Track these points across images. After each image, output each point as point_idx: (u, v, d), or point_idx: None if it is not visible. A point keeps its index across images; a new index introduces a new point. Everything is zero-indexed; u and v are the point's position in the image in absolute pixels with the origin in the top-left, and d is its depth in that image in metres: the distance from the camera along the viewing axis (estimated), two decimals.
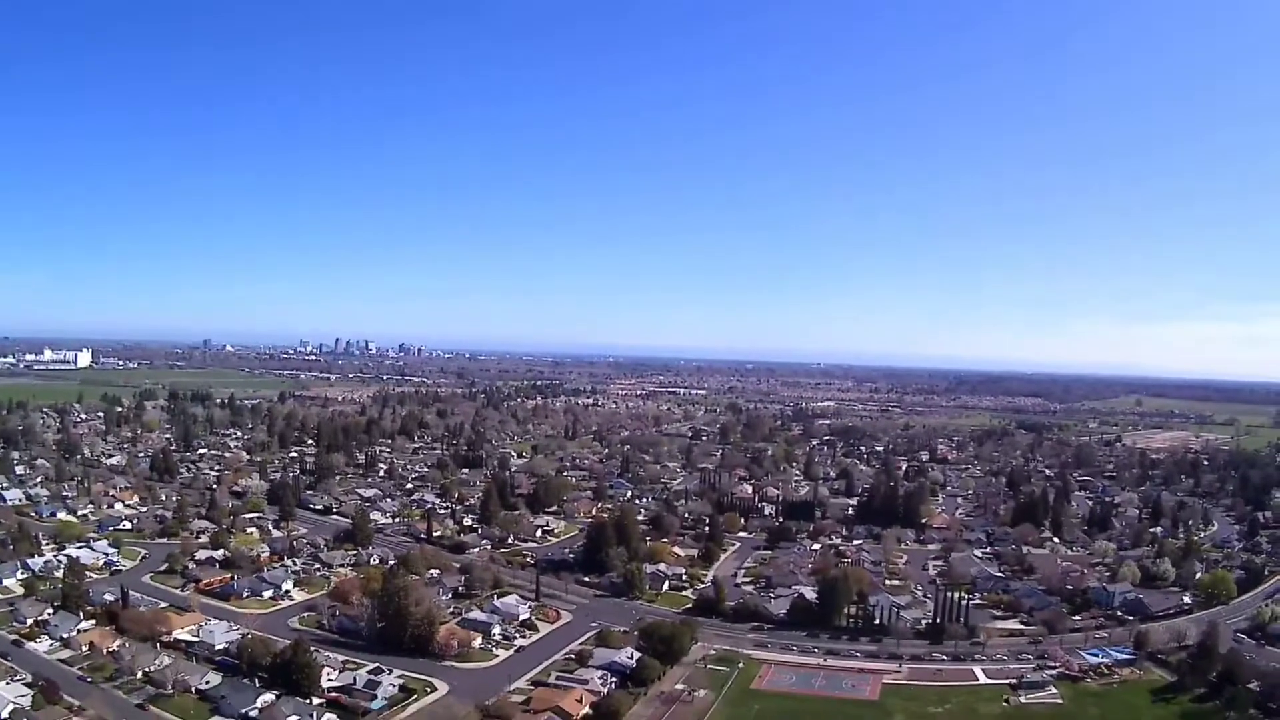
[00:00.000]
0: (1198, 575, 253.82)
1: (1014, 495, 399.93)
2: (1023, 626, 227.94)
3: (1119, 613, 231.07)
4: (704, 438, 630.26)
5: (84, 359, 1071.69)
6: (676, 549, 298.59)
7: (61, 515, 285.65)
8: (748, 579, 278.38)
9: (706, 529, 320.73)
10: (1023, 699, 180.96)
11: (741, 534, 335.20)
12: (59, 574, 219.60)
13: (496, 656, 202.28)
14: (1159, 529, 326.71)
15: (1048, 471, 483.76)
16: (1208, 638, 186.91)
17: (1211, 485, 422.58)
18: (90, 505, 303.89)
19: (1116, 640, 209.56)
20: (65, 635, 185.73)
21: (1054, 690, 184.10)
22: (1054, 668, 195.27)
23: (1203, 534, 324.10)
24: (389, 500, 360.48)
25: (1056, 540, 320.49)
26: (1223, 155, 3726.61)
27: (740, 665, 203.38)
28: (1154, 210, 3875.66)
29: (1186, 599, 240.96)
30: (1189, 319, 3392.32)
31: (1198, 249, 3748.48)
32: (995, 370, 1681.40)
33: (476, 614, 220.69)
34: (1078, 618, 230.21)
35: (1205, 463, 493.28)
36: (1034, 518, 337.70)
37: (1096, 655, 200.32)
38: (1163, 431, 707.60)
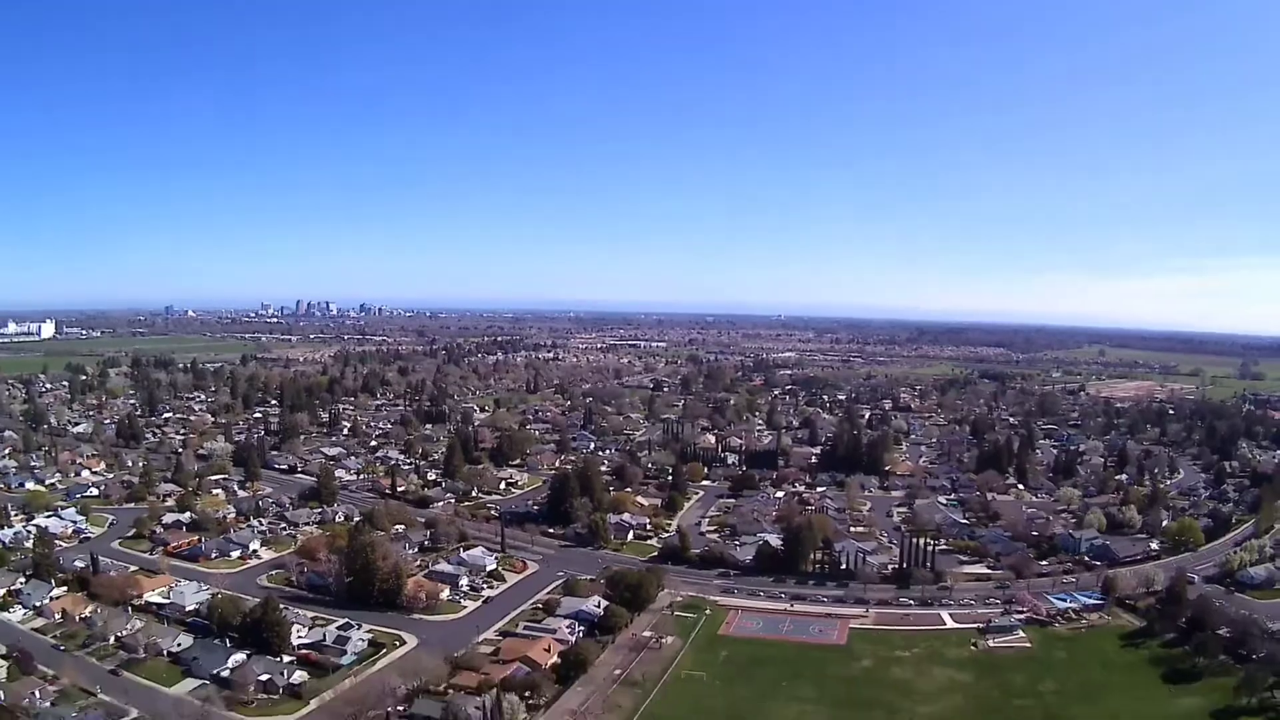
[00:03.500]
0: (1164, 523, 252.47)
1: (978, 443, 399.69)
2: (989, 571, 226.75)
3: (1086, 559, 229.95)
4: (666, 389, 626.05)
5: (48, 330, 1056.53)
6: (640, 499, 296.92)
7: (30, 485, 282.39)
8: (712, 527, 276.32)
9: (670, 478, 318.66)
10: (990, 643, 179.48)
11: (705, 483, 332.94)
12: (29, 544, 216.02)
13: (464, 608, 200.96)
14: (1124, 477, 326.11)
15: (1011, 420, 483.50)
16: (1176, 584, 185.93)
17: (1177, 435, 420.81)
18: (58, 474, 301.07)
19: (1084, 586, 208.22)
20: (38, 604, 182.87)
21: (1022, 634, 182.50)
22: (1022, 612, 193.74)
23: (1169, 482, 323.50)
24: (353, 458, 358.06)
25: (1021, 487, 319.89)
26: (1179, 115, 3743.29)
27: (707, 611, 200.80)
28: (1107, 165, 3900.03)
29: (1154, 546, 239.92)
30: (1146, 273, 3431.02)
31: (1152, 203, 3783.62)
32: (956, 321, 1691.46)
33: (443, 567, 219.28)
34: (1044, 563, 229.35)
35: (1171, 412, 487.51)
36: (998, 465, 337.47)
37: (1064, 600, 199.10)
38: (1127, 381, 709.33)
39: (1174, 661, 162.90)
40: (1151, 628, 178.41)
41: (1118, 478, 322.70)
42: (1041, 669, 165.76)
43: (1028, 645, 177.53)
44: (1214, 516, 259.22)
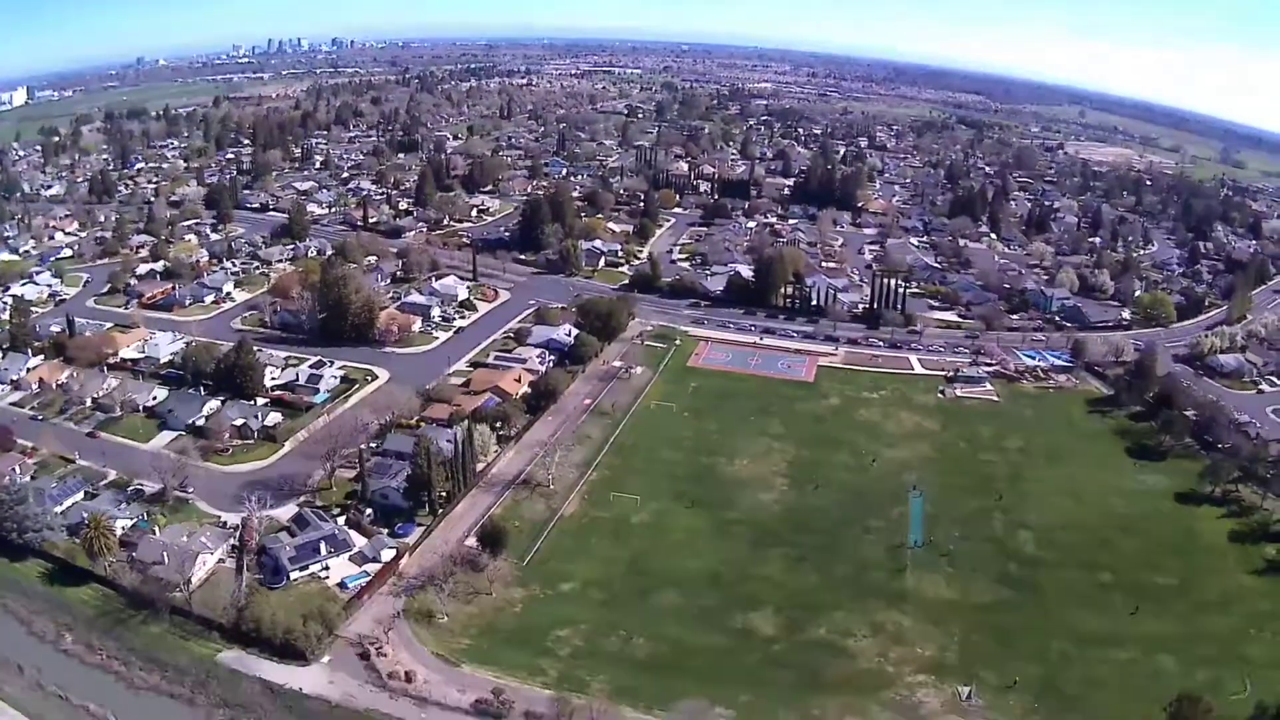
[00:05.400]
0: (1136, 293, 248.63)
1: (952, 188, 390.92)
2: (960, 319, 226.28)
3: (1056, 318, 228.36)
4: (640, 116, 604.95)
5: (19, 97, 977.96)
6: (612, 225, 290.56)
7: (4, 256, 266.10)
8: (683, 256, 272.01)
9: (642, 205, 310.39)
10: (958, 392, 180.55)
11: (677, 211, 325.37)
12: (5, 315, 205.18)
13: (436, 339, 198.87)
14: (1098, 239, 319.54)
15: (987, 169, 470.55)
16: (1146, 357, 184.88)
17: (1153, 206, 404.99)
18: (32, 240, 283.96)
19: (1053, 345, 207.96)
20: (15, 377, 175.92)
21: (989, 387, 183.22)
22: (990, 365, 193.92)
23: (1142, 252, 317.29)
24: (325, 191, 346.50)
25: (994, 237, 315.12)
26: None
27: (677, 342, 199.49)
28: None
29: (1125, 315, 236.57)
30: (1136, 41, 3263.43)
31: None
32: (936, 66, 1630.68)
33: (415, 297, 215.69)
34: (1015, 317, 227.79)
35: (1148, 183, 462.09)
36: (972, 212, 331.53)
37: (1033, 357, 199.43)
38: (1106, 145, 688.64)
39: (1139, 436, 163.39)
40: (1119, 398, 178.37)
41: (1091, 240, 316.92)
42: (1008, 425, 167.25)
43: (995, 399, 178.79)
44: (1187, 295, 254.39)
